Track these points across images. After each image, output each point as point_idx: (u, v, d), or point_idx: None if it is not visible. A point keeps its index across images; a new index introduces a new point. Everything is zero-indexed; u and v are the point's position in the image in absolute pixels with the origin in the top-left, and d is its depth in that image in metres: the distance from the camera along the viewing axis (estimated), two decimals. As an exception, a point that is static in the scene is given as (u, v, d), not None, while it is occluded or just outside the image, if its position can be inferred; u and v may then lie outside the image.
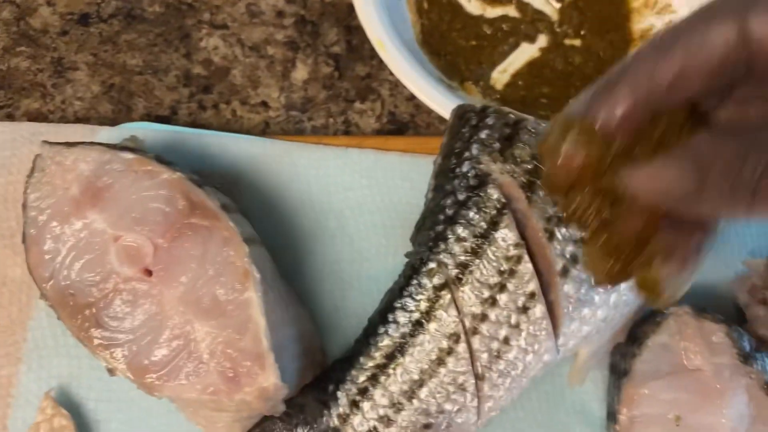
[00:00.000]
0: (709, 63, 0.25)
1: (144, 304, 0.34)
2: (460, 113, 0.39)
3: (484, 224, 0.35)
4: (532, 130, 0.37)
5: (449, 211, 0.36)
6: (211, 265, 0.34)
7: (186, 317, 0.34)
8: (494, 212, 0.36)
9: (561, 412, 0.41)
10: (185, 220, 0.35)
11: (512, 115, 0.37)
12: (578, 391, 0.41)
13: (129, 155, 0.36)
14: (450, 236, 0.36)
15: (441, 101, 0.43)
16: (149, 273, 0.34)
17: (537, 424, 0.40)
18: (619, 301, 0.36)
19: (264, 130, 0.48)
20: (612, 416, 0.39)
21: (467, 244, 0.35)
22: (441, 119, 0.50)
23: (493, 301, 0.35)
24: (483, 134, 0.37)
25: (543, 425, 0.40)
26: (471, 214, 0.36)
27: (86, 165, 0.36)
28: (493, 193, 0.36)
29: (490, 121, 0.37)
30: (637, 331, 0.39)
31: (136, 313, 0.34)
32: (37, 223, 0.35)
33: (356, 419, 0.36)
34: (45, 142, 0.36)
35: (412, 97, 0.50)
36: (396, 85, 0.50)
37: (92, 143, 0.37)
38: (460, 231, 0.36)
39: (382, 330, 0.36)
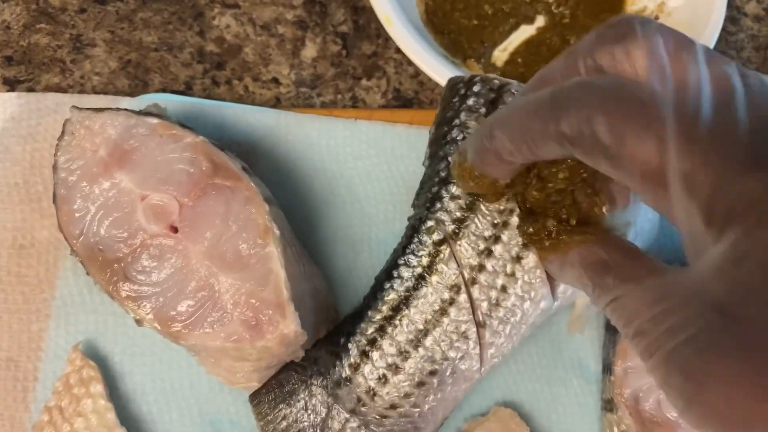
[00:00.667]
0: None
1: (170, 258, 0.36)
2: (451, 85, 0.42)
3: None
4: (516, 92, 0.39)
5: (443, 173, 0.39)
6: (234, 222, 0.36)
7: (211, 270, 0.36)
8: None
9: (559, 367, 0.43)
10: (209, 181, 0.37)
11: (497, 81, 0.40)
12: (575, 348, 0.43)
13: (154, 120, 0.38)
14: (445, 195, 0.38)
15: (445, 75, 0.45)
16: (175, 230, 0.37)
17: (536, 378, 0.43)
18: None
19: (275, 106, 0.50)
20: (607, 369, 0.41)
21: (461, 201, 0.38)
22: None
23: (488, 252, 0.37)
24: (470, 101, 0.39)
25: (542, 379, 0.43)
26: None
27: (113, 129, 0.38)
28: None
29: (476, 88, 0.40)
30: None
31: (162, 267, 0.36)
32: (67, 184, 0.37)
33: (366, 368, 0.38)
34: (74, 107, 0.38)
35: (416, 75, 0.52)
36: (401, 63, 0.52)
37: (118, 109, 0.39)
38: (454, 189, 0.38)
39: (387, 285, 0.38)
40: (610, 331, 0.42)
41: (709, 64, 0.24)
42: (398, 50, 0.52)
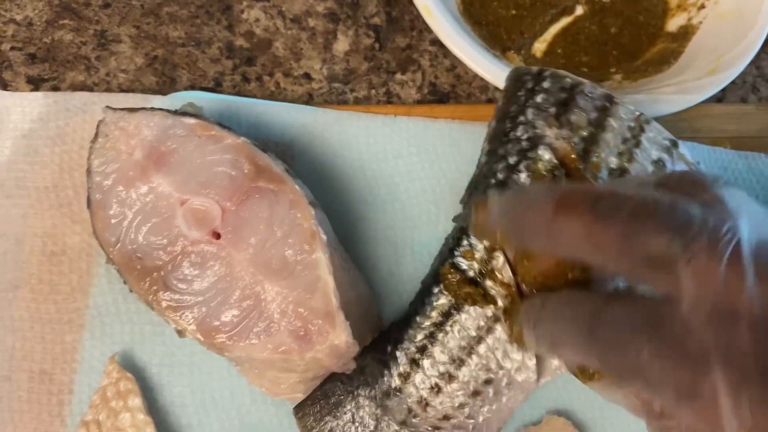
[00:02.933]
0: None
1: (213, 266, 0.34)
2: (516, 76, 0.39)
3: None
4: (589, 95, 0.37)
5: (500, 175, 0.37)
6: (279, 227, 0.34)
7: (256, 278, 0.34)
8: (545, 174, 0.36)
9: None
10: (252, 184, 0.35)
11: (569, 79, 0.37)
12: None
13: (191, 120, 0.36)
14: None
15: (487, 67, 0.43)
16: (217, 236, 0.35)
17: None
18: None
19: (308, 102, 0.48)
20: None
21: None
22: (482, 89, 0.50)
23: None
24: (539, 98, 0.37)
25: (596, 385, 0.41)
26: (522, 177, 0.36)
27: (149, 130, 0.36)
28: (545, 154, 0.35)
29: (546, 84, 0.37)
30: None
31: (205, 275, 0.34)
32: (102, 188, 0.36)
33: (417, 377, 0.36)
34: (108, 107, 0.36)
35: (452, 68, 0.50)
36: (436, 55, 0.50)
37: (153, 108, 0.37)
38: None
39: (436, 290, 0.37)
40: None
41: (759, 282, 0.23)
42: (433, 42, 0.50)
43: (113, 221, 0.35)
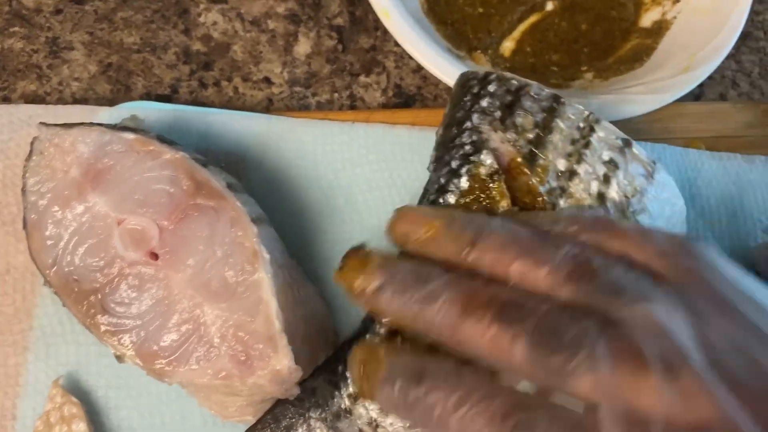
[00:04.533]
0: None
1: (151, 288, 0.33)
2: (463, 81, 0.38)
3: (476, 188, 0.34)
4: (535, 96, 0.35)
5: (442, 180, 0.35)
6: (219, 247, 0.33)
7: (195, 300, 0.33)
8: (485, 179, 0.34)
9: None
10: (191, 201, 0.34)
11: (515, 81, 0.36)
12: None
13: (130, 135, 0.35)
14: (441, 203, 0.35)
15: (449, 71, 0.41)
16: (155, 256, 0.33)
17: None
18: None
19: (267, 107, 0.47)
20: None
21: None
22: (449, 90, 0.48)
23: None
24: (484, 102, 0.36)
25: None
26: (463, 181, 0.34)
27: (86, 146, 0.35)
28: (486, 159, 0.34)
29: (491, 88, 0.36)
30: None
31: (143, 297, 0.33)
32: (37, 208, 0.34)
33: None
34: (42, 123, 0.35)
35: (418, 69, 0.48)
36: (402, 56, 0.49)
37: (91, 124, 0.35)
38: (451, 200, 0.34)
39: None
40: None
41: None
42: (398, 43, 0.49)
43: (49, 242, 0.34)
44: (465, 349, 0.26)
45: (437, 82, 0.48)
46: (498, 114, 0.35)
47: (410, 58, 0.48)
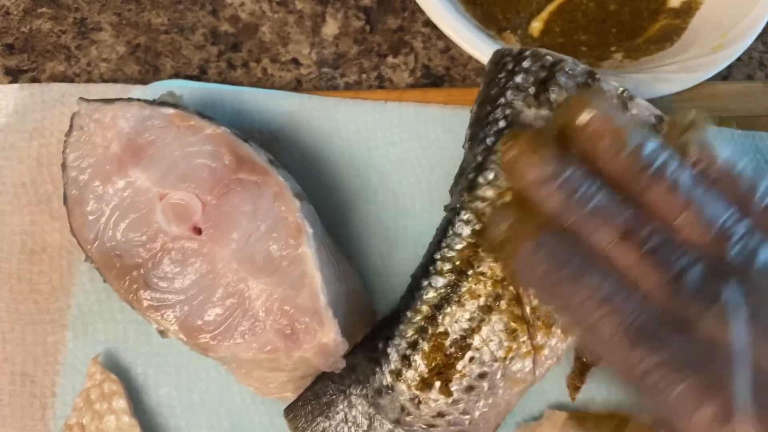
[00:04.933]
0: None
1: (194, 263, 0.33)
2: (497, 58, 0.38)
3: None
4: (570, 72, 0.35)
5: (479, 158, 0.35)
6: (263, 221, 0.33)
7: (239, 275, 0.32)
8: None
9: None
10: (233, 176, 0.33)
11: (549, 57, 0.36)
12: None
13: (170, 110, 0.34)
14: (482, 182, 0.35)
15: (482, 48, 0.41)
16: (198, 231, 0.33)
17: (591, 375, 0.39)
18: None
19: (296, 88, 0.47)
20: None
21: (501, 187, 0.34)
22: (477, 71, 0.48)
23: None
24: (519, 78, 0.36)
25: (599, 377, 0.40)
26: (499, 158, 0.34)
27: (126, 122, 0.34)
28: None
29: (526, 64, 0.36)
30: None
31: (186, 272, 0.33)
32: (78, 184, 0.34)
33: (409, 373, 0.35)
34: (82, 99, 0.35)
35: (446, 49, 0.48)
36: (429, 37, 0.48)
37: (130, 99, 0.35)
38: (491, 175, 0.34)
39: (425, 283, 0.35)
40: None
41: None
42: (426, 24, 0.48)
43: (90, 218, 0.34)
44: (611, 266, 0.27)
45: (466, 63, 0.48)
46: (532, 90, 0.35)
47: (438, 38, 0.48)
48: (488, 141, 0.35)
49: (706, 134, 0.30)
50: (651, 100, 0.38)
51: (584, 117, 0.28)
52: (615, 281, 0.26)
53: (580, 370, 0.39)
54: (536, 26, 0.48)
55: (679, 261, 0.26)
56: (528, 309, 0.34)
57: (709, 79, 0.43)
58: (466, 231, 0.34)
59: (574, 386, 0.39)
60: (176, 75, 0.46)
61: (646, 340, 0.25)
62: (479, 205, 0.34)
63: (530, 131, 0.33)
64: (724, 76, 0.49)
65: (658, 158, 0.27)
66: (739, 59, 0.47)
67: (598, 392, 0.40)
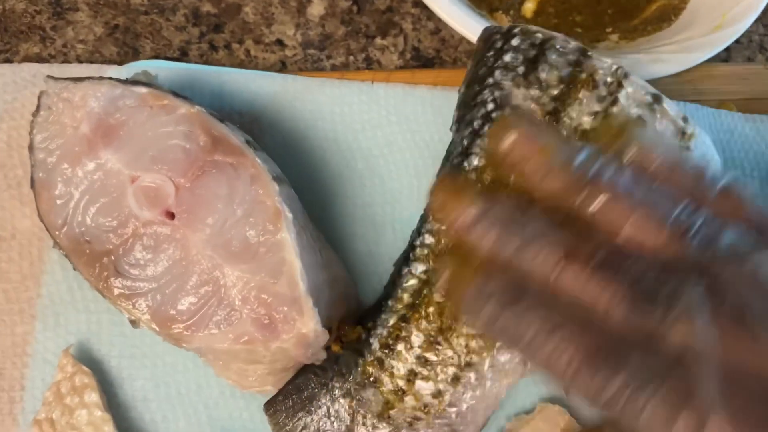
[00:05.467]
0: None
1: (167, 249, 0.31)
2: (486, 36, 0.36)
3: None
4: (561, 50, 0.33)
5: (465, 142, 0.34)
6: (239, 205, 0.31)
7: (214, 262, 0.31)
8: None
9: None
10: (208, 158, 0.32)
11: (539, 34, 0.34)
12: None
13: (142, 89, 0.33)
14: (466, 167, 0.33)
15: (473, 27, 0.40)
16: (171, 215, 0.32)
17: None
18: None
19: (280, 71, 0.45)
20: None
21: (486, 175, 0.33)
22: (468, 53, 0.46)
23: None
24: (507, 57, 0.34)
25: (593, 370, 0.38)
26: (486, 142, 0.33)
27: (96, 101, 0.33)
28: None
29: (515, 42, 0.34)
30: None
31: (158, 259, 0.31)
32: (45, 166, 0.32)
33: (392, 363, 0.33)
34: (50, 77, 0.33)
35: (436, 31, 0.46)
36: (419, 18, 0.47)
37: (101, 78, 0.33)
38: (476, 162, 0.33)
39: (405, 270, 0.34)
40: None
41: None
42: (416, 4, 0.47)
43: (59, 202, 0.32)
44: (558, 293, 0.25)
45: (456, 45, 0.46)
46: (521, 69, 0.33)
47: (428, 19, 0.47)
48: (475, 124, 0.34)
49: (642, 133, 0.28)
50: (649, 82, 0.36)
51: (505, 144, 0.26)
52: (564, 308, 0.24)
53: None
54: (529, 6, 0.46)
55: (630, 271, 0.24)
56: None
57: (708, 61, 0.42)
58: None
59: None
60: (156, 57, 0.45)
61: (606, 362, 0.23)
62: None
63: (455, 176, 0.32)
64: (724, 58, 0.48)
65: (592, 168, 0.25)
66: (738, 42, 0.45)
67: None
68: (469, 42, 0.41)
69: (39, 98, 0.33)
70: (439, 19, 0.41)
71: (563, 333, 0.23)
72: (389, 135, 0.40)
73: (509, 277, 0.25)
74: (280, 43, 0.46)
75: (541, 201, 0.26)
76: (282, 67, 0.45)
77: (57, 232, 0.32)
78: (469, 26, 0.40)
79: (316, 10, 0.46)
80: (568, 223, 0.25)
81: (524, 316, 0.24)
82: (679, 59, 0.41)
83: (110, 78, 0.33)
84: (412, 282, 0.33)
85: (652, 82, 0.40)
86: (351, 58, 0.46)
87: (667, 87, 0.41)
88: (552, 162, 0.26)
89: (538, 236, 0.25)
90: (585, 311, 0.24)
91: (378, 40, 0.46)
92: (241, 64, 0.45)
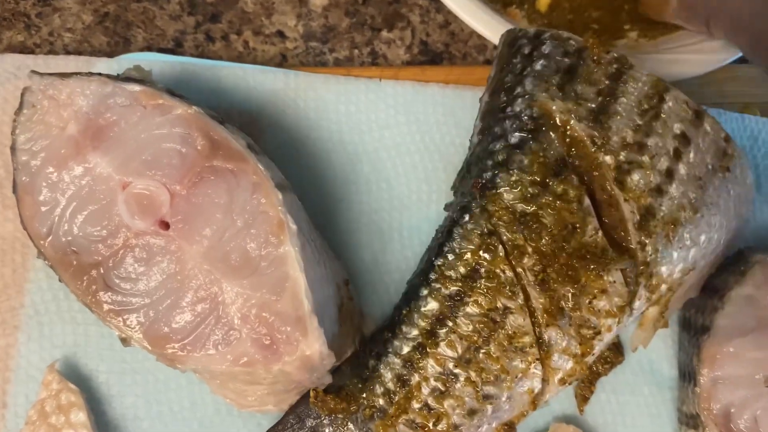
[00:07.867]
0: None
1: (161, 262, 0.29)
2: (510, 40, 0.34)
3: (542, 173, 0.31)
4: (599, 60, 0.32)
5: (500, 157, 0.31)
6: (239, 215, 0.29)
7: (212, 276, 0.29)
8: (553, 161, 0.31)
9: (627, 372, 0.37)
10: (206, 163, 0.29)
11: (573, 42, 0.32)
12: (645, 350, 0.36)
13: (135, 87, 0.30)
14: (501, 183, 0.31)
15: (486, 21, 0.37)
16: (166, 225, 0.29)
17: (600, 386, 0.36)
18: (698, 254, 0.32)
19: (281, 64, 0.43)
20: (689, 377, 0.35)
21: (526, 190, 0.30)
22: (479, 48, 0.44)
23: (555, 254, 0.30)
24: (538, 65, 0.32)
25: (607, 387, 0.37)
26: (526, 160, 0.31)
27: (85, 99, 0.30)
28: (554, 140, 0.31)
29: (546, 49, 0.32)
30: (716, 282, 0.35)
31: (151, 273, 0.29)
32: (29, 169, 0.30)
33: (404, 395, 0.31)
34: (34, 72, 0.31)
35: (446, 24, 0.44)
36: (428, 10, 0.44)
37: (90, 73, 0.31)
38: (514, 177, 0.30)
39: (424, 292, 0.31)
40: (689, 330, 0.36)
41: None
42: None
43: (43, 209, 0.30)
44: None
45: (467, 39, 0.44)
46: (556, 80, 0.31)
47: (437, 11, 0.44)
48: (511, 139, 0.31)
49: None
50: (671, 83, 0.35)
51: None
52: None
53: (589, 378, 0.36)
54: (544, 1, 0.44)
55: None
56: (542, 323, 0.30)
57: (730, 62, 0.39)
58: (475, 236, 0.31)
59: (583, 397, 0.36)
60: (148, 48, 0.42)
61: None
62: (495, 207, 0.30)
63: None
64: (745, 59, 0.46)
65: None
66: (761, 41, 0.43)
67: (607, 403, 0.36)
68: (479, 36, 0.39)
69: (22, 95, 0.31)
70: (449, 12, 0.39)
71: None
72: (397, 136, 0.38)
73: None
74: (280, 34, 0.43)
75: None
76: (282, 60, 0.43)
77: (42, 242, 0.30)
78: (482, 20, 0.38)
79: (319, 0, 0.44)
80: None
81: None
82: (703, 61, 0.39)
83: (100, 74, 0.31)
84: (432, 306, 0.31)
85: (676, 83, 0.38)
86: (355, 51, 0.43)
87: (689, 89, 0.39)
88: None
89: None
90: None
91: (384, 33, 0.44)
92: (239, 57, 0.43)
